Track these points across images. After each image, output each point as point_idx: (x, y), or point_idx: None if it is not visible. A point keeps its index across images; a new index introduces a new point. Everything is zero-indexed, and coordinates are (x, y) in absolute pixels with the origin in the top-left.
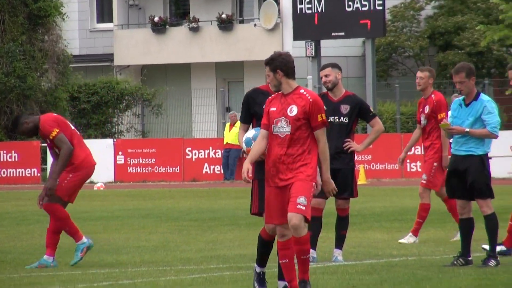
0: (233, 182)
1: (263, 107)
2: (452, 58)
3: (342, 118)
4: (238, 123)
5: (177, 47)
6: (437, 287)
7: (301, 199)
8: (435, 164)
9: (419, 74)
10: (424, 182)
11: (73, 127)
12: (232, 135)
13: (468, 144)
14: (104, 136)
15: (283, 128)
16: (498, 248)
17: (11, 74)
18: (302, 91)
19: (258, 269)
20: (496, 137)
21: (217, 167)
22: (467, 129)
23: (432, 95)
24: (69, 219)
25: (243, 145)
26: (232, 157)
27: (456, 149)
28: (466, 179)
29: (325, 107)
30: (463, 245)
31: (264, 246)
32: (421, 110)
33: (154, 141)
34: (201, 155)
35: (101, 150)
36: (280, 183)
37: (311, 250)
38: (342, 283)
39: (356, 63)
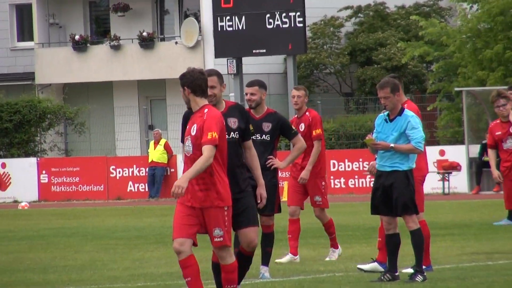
0: (158, 200)
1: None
2: (370, 73)
3: (264, 136)
4: (163, 141)
5: (98, 65)
6: None
7: (216, 231)
8: (323, 183)
9: (295, 93)
10: (319, 203)
11: None
12: (157, 153)
13: (393, 159)
14: (27, 155)
15: (188, 147)
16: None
17: None
18: (206, 110)
19: None
20: (421, 152)
21: (142, 185)
22: (392, 145)
23: (307, 113)
24: None
25: None
26: (158, 175)
27: (381, 165)
28: (391, 194)
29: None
30: (389, 261)
31: (217, 270)
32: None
33: (77, 160)
34: (125, 173)
35: (24, 169)
36: (187, 202)
37: (264, 268)
38: None
39: (278, 80)
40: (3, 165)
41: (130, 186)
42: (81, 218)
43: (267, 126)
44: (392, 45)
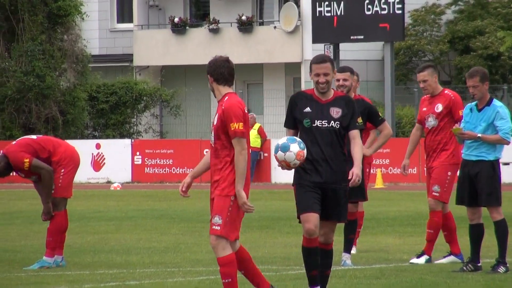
0: (252, 183)
1: (304, 111)
2: (468, 61)
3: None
4: (257, 125)
5: (196, 48)
6: None
7: (215, 219)
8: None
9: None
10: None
11: (35, 137)
12: (251, 137)
13: (479, 149)
14: (122, 136)
15: (212, 137)
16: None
17: (30, 73)
18: (226, 98)
19: None
20: (508, 143)
21: None
22: (479, 135)
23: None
24: (65, 232)
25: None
26: (251, 159)
27: (467, 154)
28: (476, 184)
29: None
30: (472, 251)
31: (309, 256)
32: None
33: (172, 142)
34: None
35: (119, 150)
36: (211, 195)
37: (346, 255)
38: (350, 287)
39: (376, 67)
40: (98, 146)
41: None
42: (171, 201)
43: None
44: (491, 33)
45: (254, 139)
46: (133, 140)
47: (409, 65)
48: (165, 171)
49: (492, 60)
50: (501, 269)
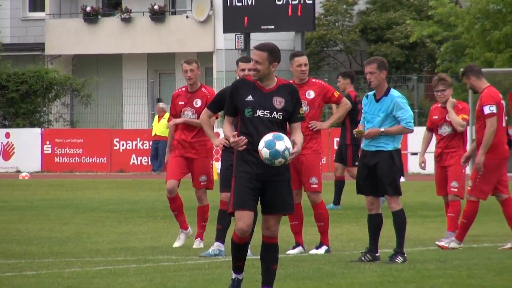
0: (160, 174)
1: (245, 99)
2: (384, 50)
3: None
4: (167, 115)
5: (109, 37)
6: (339, 282)
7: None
8: None
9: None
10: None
11: None
12: (161, 126)
13: (378, 140)
14: (32, 125)
15: None
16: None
17: None
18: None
19: (233, 276)
20: (412, 131)
21: (145, 158)
22: (382, 129)
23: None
24: None
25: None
26: (161, 149)
27: (367, 144)
28: (376, 174)
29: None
30: (370, 241)
31: (238, 251)
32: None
33: (82, 131)
34: (129, 146)
35: (28, 139)
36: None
37: (219, 243)
38: (246, 277)
39: (288, 56)
40: (7, 135)
41: (133, 159)
42: (79, 190)
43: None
44: (404, 25)
45: (164, 129)
46: (43, 129)
47: (320, 54)
48: (75, 160)
49: (408, 49)
50: (399, 259)
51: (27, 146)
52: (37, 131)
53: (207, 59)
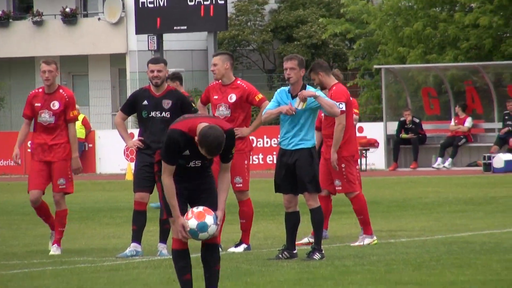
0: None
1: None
2: (291, 50)
3: (164, 113)
4: (81, 116)
5: (21, 41)
6: (257, 281)
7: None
8: None
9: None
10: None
11: None
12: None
13: (297, 137)
14: None
15: None
16: None
17: None
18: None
19: None
20: (339, 112)
21: None
22: (316, 93)
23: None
24: None
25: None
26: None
27: (285, 143)
28: (294, 172)
29: (146, 102)
30: (288, 239)
31: (181, 259)
32: None
33: None
34: None
35: None
36: None
37: (135, 244)
38: (164, 277)
39: (201, 57)
40: None
41: None
42: None
43: (167, 103)
44: (314, 22)
45: (78, 130)
46: None
47: (233, 54)
48: None
49: (315, 48)
50: (317, 256)
51: None
52: None
53: (120, 61)
